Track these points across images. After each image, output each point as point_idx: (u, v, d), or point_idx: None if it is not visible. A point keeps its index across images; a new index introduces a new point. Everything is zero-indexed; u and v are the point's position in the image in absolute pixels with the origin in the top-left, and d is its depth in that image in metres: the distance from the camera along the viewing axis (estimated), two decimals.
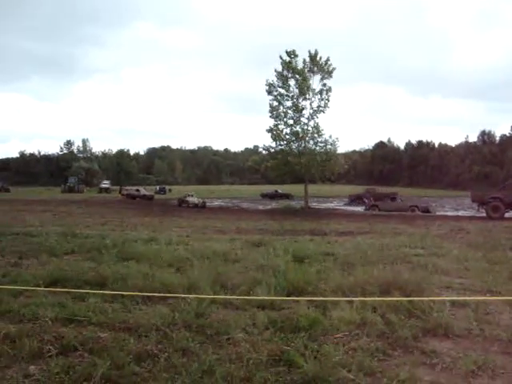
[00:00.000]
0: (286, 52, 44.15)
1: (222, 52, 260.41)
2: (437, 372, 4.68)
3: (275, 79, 44.69)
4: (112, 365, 4.55)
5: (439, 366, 4.79)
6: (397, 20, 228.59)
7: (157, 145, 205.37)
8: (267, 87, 44.78)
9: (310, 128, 44.52)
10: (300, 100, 44.30)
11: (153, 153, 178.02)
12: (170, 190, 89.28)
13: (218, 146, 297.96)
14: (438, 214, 39.15)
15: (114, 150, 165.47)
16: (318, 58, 43.93)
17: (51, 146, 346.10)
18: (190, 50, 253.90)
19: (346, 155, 71.04)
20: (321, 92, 44.30)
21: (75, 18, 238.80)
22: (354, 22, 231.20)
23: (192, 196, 52.81)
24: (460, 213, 40.78)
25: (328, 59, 44.04)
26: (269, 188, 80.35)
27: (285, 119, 44.77)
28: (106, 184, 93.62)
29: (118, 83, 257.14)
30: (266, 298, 6.70)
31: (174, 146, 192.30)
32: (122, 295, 6.85)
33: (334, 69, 44.16)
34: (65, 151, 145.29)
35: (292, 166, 44.07)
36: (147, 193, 66.88)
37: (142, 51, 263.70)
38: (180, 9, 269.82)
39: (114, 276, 8.18)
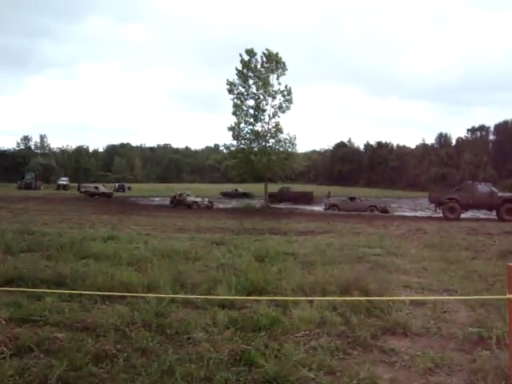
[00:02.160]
0: (246, 51, 44.22)
1: (180, 49, 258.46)
2: (395, 370, 4.74)
3: (236, 78, 44.77)
4: (69, 366, 4.45)
5: (398, 364, 4.86)
6: (355, 21, 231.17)
7: (116, 142, 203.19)
8: (228, 86, 44.80)
9: (271, 127, 44.72)
10: (261, 99, 44.44)
11: (112, 150, 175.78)
12: (129, 188, 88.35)
13: (179, 143, 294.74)
14: (396, 214, 39.70)
15: (73, 147, 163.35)
16: (273, 57, 44.14)
17: (7, 142, 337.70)
18: (147, 45, 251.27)
19: (306, 155, 71.59)
20: (282, 92, 44.55)
21: (27, 9, 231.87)
22: (313, 22, 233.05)
23: (188, 195, 47.87)
24: (418, 213, 41.48)
25: (277, 54, 44.32)
26: (229, 187, 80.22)
27: (246, 118, 44.85)
28: (63, 181, 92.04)
29: (74, 78, 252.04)
30: (227, 297, 6.67)
31: (133, 144, 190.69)
32: (80, 294, 6.69)
33: (284, 63, 44.56)
34: (22, 147, 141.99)
35: (253, 165, 44.15)
36: (106, 190, 66.02)
37: (98, 46, 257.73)
38: (137, 3, 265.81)
39: (72, 275, 8.00)
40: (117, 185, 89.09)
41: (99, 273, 8.18)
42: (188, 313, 6.30)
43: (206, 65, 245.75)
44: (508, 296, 3.07)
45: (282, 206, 48.78)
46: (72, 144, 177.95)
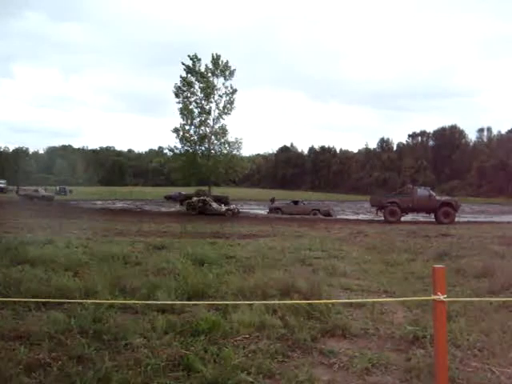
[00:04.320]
0: (189, 56, 44.16)
1: (121, 49, 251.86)
2: (334, 371, 4.81)
3: (180, 82, 44.58)
4: None
5: (336, 366, 4.93)
6: (296, 26, 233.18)
7: (57, 144, 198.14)
8: (174, 90, 44.62)
9: (216, 130, 44.71)
10: (206, 102, 44.43)
11: (53, 152, 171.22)
12: (70, 191, 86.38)
13: (122, 146, 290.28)
14: (338, 217, 40.27)
15: (11, 149, 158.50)
16: (219, 62, 44.25)
17: None
18: (87, 45, 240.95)
19: (250, 158, 71.72)
20: (226, 94, 44.66)
21: None
22: (255, 26, 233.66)
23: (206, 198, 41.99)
24: (360, 216, 42.18)
25: (227, 62, 44.53)
26: (173, 190, 79.52)
27: (191, 120, 44.72)
28: (1, 184, 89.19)
29: (9, 77, 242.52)
30: (166, 302, 6.60)
31: (75, 146, 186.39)
32: (14, 301, 6.50)
33: (234, 70, 44.76)
34: None
35: (198, 168, 44.01)
36: (46, 193, 64.26)
37: (35, 44, 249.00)
38: (75, 1, 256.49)
39: (6, 281, 7.74)
40: (58, 188, 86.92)
41: (35, 279, 7.96)
42: (127, 318, 6.21)
43: (149, 66, 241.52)
44: (433, 297, 3.17)
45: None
46: (10, 146, 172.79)
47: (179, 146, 45.57)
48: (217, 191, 55.15)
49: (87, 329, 5.60)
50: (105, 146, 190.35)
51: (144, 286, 7.68)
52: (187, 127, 44.83)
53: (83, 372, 4.46)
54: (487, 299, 7.46)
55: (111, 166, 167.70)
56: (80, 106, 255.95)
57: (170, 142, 71.45)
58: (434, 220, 33.79)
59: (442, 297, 3.12)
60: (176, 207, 50.88)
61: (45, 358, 4.74)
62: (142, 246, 13.83)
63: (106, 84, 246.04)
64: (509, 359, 5.08)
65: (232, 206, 41.40)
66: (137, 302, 6.68)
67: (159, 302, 6.53)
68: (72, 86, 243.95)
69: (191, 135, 44.77)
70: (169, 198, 71.77)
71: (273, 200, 45.93)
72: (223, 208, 40.15)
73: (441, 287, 3.12)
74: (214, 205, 40.44)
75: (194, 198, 41.87)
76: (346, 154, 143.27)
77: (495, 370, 4.79)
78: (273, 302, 6.78)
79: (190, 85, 44.23)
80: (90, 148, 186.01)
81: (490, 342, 5.57)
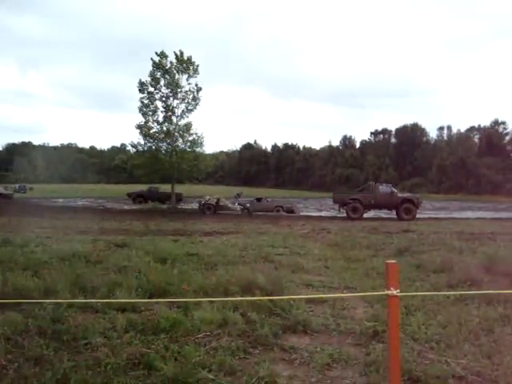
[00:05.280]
0: (156, 53, 43.87)
1: (81, 44, 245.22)
2: (295, 367, 4.87)
3: (146, 78, 44.23)
4: None
5: (297, 361, 4.99)
6: (258, 23, 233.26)
7: (17, 140, 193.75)
8: (139, 86, 44.18)
9: (180, 126, 44.44)
10: (171, 99, 44.16)
11: (12, 149, 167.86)
12: (30, 189, 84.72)
13: (84, 143, 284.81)
14: (301, 214, 40.41)
15: None
16: (184, 58, 43.99)
17: None
18: (45, 39, 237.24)
19: (214, 156, 71.44)
20: (190, 91, 44.43)
21: None
22: (220, 22, 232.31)
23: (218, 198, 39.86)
24: (323, 213, 42.40)
25: (191, 58, 44.26)
26: (136, 188, 78.71)
27: (155, 117, 44.41)
28: None
29: None
30: (127, 300, 6.56)
31: (35, 143, 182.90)
32: None
33: (198, 66, 44.53)
34: None
35: (161, 165, 43.70)
36: (5, 191, 62.82)
37: None
38: None
39: None
40: (17, 186, 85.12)
41: None
42: (87, 317, 6.16)
43: (110, 62, 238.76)
44: (386, 292, 3.23)
45: (188, 206, 48.41)
46: None
47: (142, 142, 45.15)
48: (181, 189, 54.82)
49: (46, 329, 5.53)
50: (66, 142, 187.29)
51: (105, 284, 7.61)
52: (151, 124, 44.47)
53: (41, 373, 4.40)
54: (440, 293, 7.63)
55: (73, 164, 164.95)
56: (40, 102, 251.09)
57: (133, 138, 70.80)
58: (395, 216, 34.19)
59: (394, 292, 3.18)
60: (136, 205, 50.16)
61: (0, 361, 4.66)
62: (103, 244, 13.68)
63: (66, 80, 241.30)
64: (464, 351, 5.21)
65: (247, 205, 40.68)
66: (97, 300, 6.59)
67: (120, 301, 6.48)
68: (31, 82, 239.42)
69: (155, 132, 44.40)
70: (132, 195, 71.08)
71: (239, 195, 45.81)
72: (238, 207, 39.70)
73: (394, 282, 3.18)
74: (230, 204, 39.98)
75: (207, 197, 40.88)
76: (309, 151, 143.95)
77: (451, 361, 4.91)
78: (234, 298, 6.78)
79: (156, 81, 43.89)
80: (51, 145, 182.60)
81: (447, 335, 5.71)
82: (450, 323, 6.13)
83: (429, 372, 4.61)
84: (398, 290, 3.21)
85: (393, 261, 3.31)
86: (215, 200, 39.25)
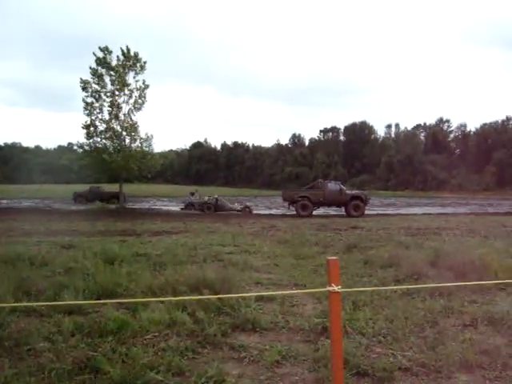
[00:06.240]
0: (100, 48, 42.98)
1: (23, 41, 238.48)
2: (244, 365, 4.88)
3: (89, 76, 43.29)
4: None
5: (247, 360, 5.00)
6: (208, 20, 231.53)
7: None
8: (81, 84, 43.21)
9: (127, 125, 43.78)
10: (116, 97, 43.39)
11: None
12: None
13: (29, 142, 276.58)
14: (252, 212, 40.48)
15: None
16: (131, 54, 43.32)
17: None
18: None
19: (163, 154, 70.80)
20: (137, 89, 43.80)
21: None
22: (167, 19, 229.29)
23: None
24: (273, 211, 42.46)
25: (137, 54, 43.63)
26: (83, 187, 77.31)
27: (100, 115, 43.58)
28: None
29: None
30: (72, 302, 6.44)
31: None
32: None
33: (145, 63, 43.95)
34: None
35: (107, 164, 42.97)
36: None
37: None
38: None
39: None
40: None
41: None
42: (31, 322, 6.00)
43: (55, 59, 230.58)
44: (328, 288, 3.28)
45: (137, 206, 47.91)
46: None
47: (88, 142, 44.28)
48: (130, 188, 54.21)
49: None
50: (10, 142, 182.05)
51: (51, 287, 7.43)
52: (96, 122, 43.63)
53: None
54: (384, 288, 7.81)
55: (17, 164, 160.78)
56: None
57: (79, 137, 69.23)
58: (344, 213, 34.58)
59: (336, 288, 3.24)
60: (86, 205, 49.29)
61: None
62: (49, 245, 13.40)
63: (8, 77, 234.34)
64: (409, 343, 5.37)
65: (248, 203, 41.26)
66: (41, 303, 6.44)
67: (65, 303, 6.33)
68: None
69: (101, 131, 43.60)
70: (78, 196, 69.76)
71: (193, 194, 45.48)
72: (238, 206, 39.75)
73: (335, 278, 3.23)
74: (229, 204, 40.14)
75: (206, 198, 40.90)
76: (258, 150, 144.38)
77: (397, 354, 5.04)
78: (183, 297, 6.75)
79: (100, 78, 43.02)
80: None
81: (394, 328, 5.85)
82: (396, 317, 6.27)
83: (376, 365, 4.71)
84: (340, 286, 3.26)
85: (334, 257, 3.35)
86: (215, 200, 39.56)
